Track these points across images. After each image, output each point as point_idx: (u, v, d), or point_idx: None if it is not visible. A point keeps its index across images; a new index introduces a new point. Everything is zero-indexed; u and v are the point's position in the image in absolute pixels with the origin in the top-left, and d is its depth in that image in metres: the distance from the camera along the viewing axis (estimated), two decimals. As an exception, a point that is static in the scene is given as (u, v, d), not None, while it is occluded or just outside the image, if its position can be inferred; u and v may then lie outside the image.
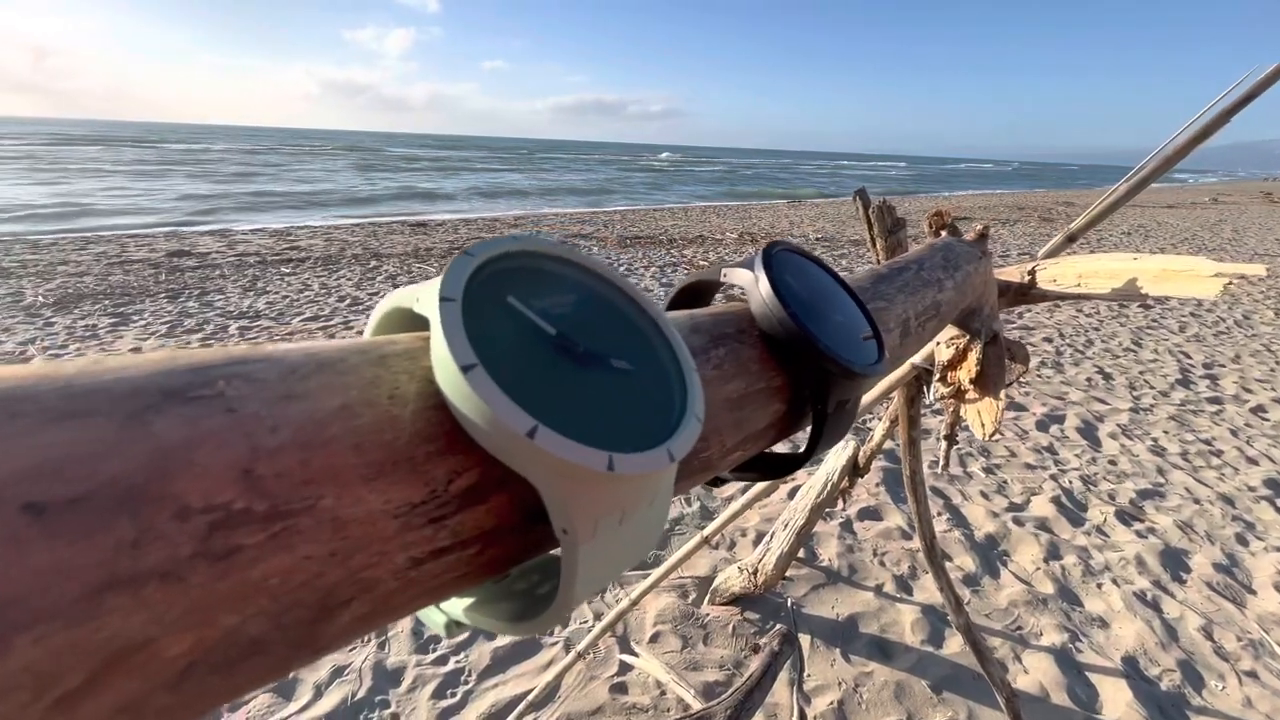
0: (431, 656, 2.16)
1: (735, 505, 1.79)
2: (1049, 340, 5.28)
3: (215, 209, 13.57)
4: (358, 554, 0.16)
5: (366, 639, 2.22)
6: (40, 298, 5.66)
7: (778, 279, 0.33)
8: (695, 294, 0.37)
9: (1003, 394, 0.72)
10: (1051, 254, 1.16)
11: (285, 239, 9.55)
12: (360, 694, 1.99)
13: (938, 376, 0.72)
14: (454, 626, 0.25)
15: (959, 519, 2.84)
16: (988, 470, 3.22)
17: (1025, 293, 0.91)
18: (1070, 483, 3.15)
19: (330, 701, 1.95)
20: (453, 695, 2.03)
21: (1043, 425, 3.74)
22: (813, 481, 2.43)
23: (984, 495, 3.02)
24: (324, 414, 0.16)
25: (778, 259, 0.35)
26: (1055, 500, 2.97)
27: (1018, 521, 2.82)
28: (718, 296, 0.35)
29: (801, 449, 0.35)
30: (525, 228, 11.54)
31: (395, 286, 6.45)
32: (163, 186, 18.91)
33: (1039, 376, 4.46)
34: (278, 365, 0.17)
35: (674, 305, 0.36)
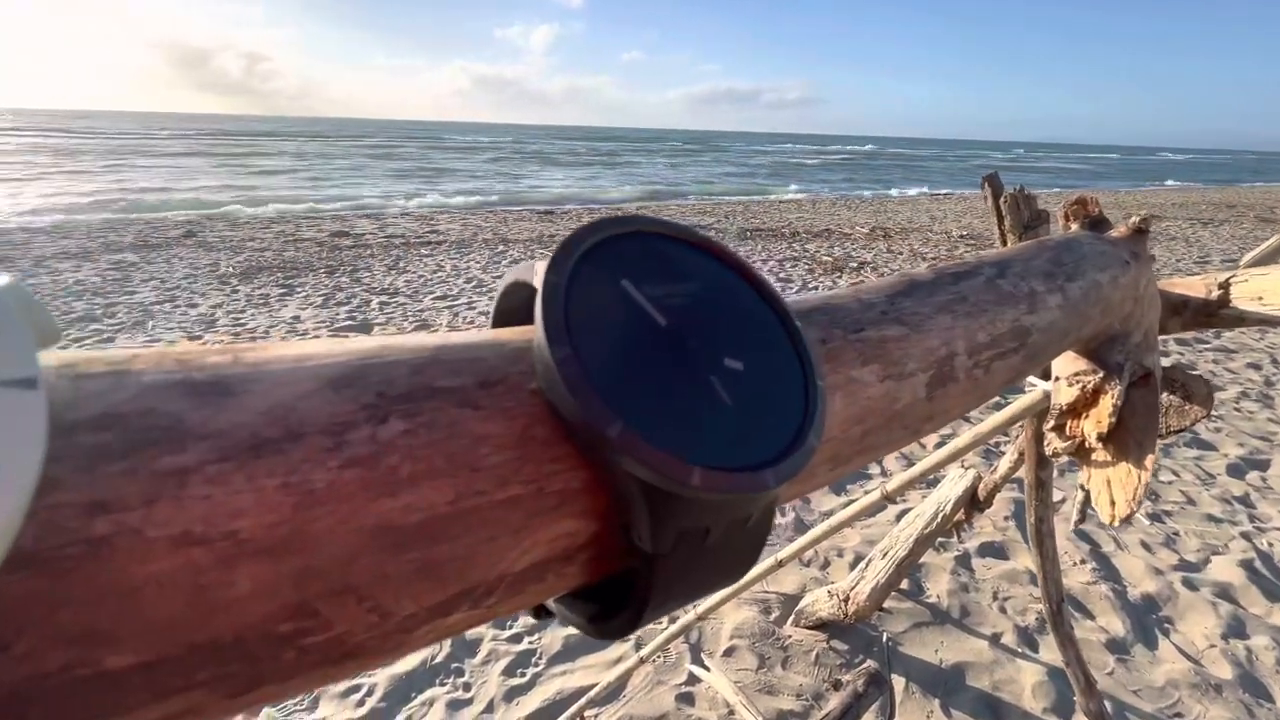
0: (507, 633, 2.21)
1: (820, 527, 1.61)
2: (1255, 366, 4.32)
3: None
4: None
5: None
6: (230, 268, 6.65)
7: (570, 287, 0.18)
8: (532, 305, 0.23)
9: (1150, 460, 0.50)
10: (1262, 261, 0.87)
11: (427, 223, 10.43)
12: (439, 658, 2.08)
13: (1052, 424, 0.52)
14: None
15: (1109, 571, 2.40)
16: (1154, 517, 2.69)
17: (1212, 313, 0.66)
18: (1269, 545, 2.54)
19: (411, 661, 2.05)
20: (522, 675, 2.06)
21: (1237, 470, 3.05)
22: (922, 509, 2.16)
23: (1145, 546, 2.52)
24: None
25: (607, 247, 0.20)
26: (1245, 564, 2.41)
27: (1189, 584, 2.32)
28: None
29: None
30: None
31: (517, 270, 6.79)
32: (339, 178, 21.52)
33: (1237, 410, 3.66)
34: None
35: (503, 322, 0.23)
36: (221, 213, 11.49)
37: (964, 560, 2.51)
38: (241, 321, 5.03)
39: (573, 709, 1.89)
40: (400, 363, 0.18)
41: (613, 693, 2.01)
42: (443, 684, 2.00)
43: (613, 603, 0.20)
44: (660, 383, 0.19)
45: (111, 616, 0.11)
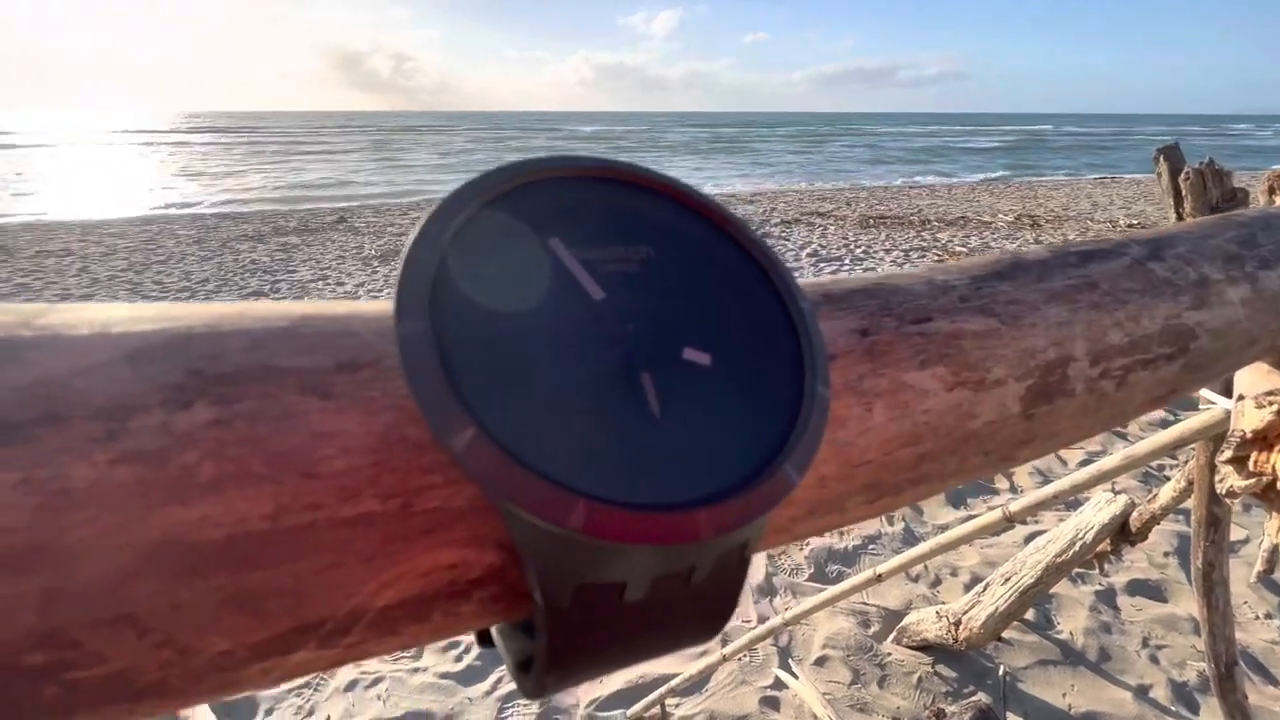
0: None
1: (928, 543, 1.47)
2: None
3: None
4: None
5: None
6: (373, 251, 7.38)
7: (461, 241, 0.14)
8: None
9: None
10: None
11: (548, 210, 10.94)
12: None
13: (1228, 454, 0.39)
14: None
15: (1304, 630, 1.99)
16: (1376, 572, 2.18)
17: None
18: None
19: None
20: (606, 655, 2.10)
21: None
22: (1056, 533, 1.92)
23: (1360, 606, 2.06)
24: None
25: (540, 193, 0.16)
26: None
27: None
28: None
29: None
30: (759, 203, 11.32)
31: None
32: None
33: None
34: None
35: None
36: (368, 201, 12.80)
37: (1107, 597, 2.20)
38: (379, 299, 5.59)
39: (654, 695, 1.89)
40: (240, 333, 0.14)
41: (695, 685, 1.99)
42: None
43: None
44: (563, 380, 0.14)
45: None
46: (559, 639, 0.15)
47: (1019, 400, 0.23)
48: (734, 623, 2.21)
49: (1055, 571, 1.87)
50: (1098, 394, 0.24)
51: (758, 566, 2.45)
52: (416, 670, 1.96)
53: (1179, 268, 0.26)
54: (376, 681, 1.92)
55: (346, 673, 1.93)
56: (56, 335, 0.13)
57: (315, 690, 1.89)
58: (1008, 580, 1.95)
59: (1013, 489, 2.78)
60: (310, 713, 1.82)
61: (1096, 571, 2.28)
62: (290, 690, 1.88)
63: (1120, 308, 0.24)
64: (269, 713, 1.82)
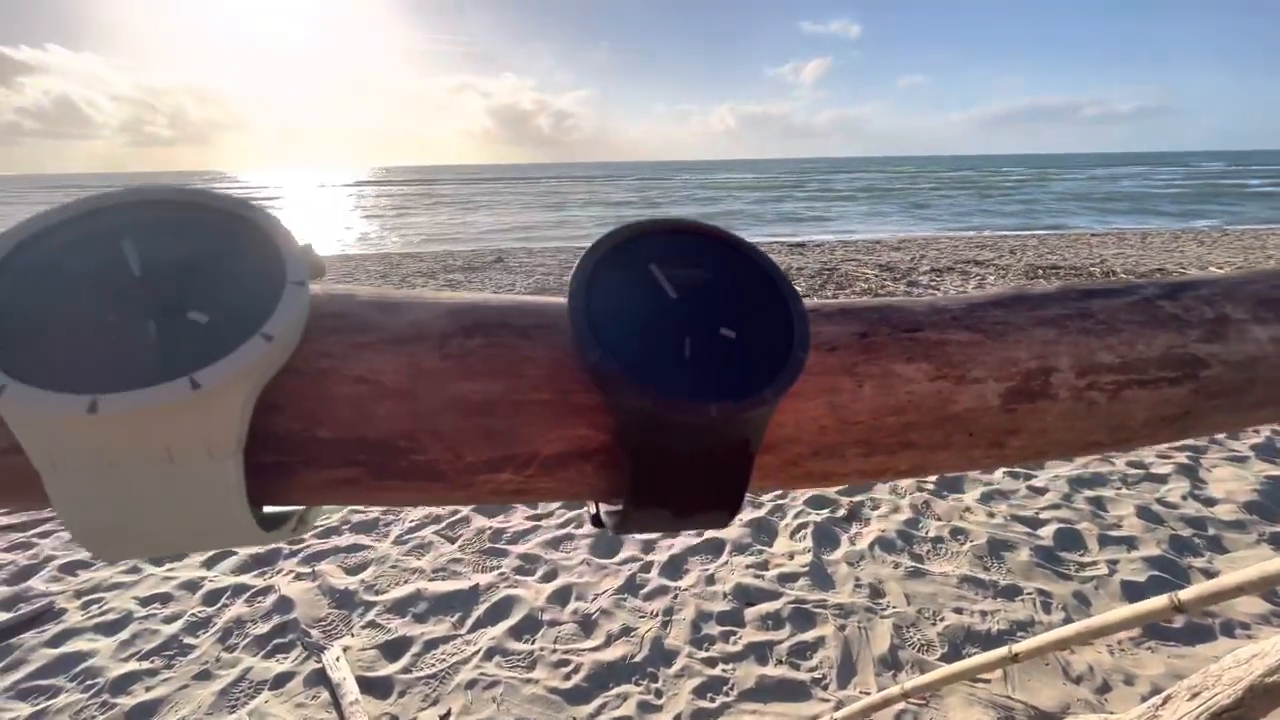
0: (703, 654, 2.25)
1: (1073, 626, 1.31)
2: None
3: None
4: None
5: (654, 613, 2.45)
6: (523, 288, 8.14)
7: (601, 263, 0.26)
8: None
9: None
10: None
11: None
12: (638, 657, 2.21)
13: None
14: None
15: None
16: None
17: None
18: None
19: (615, 652, 2.22)
20: (711, 700, 2.08)
21: None
22: (1268, 647, 1.59)
23: None
24: None
25: (649, 238, 0.28)
26: None
27: None
28: None
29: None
30: (907, 250, 10.75)
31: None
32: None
33: None
34: None
35: None
36: (523, 243, 14.30)
37: (1346, 737, 1.76)
38: (557, 298, 6.20)
39: (757, 751, 1.84)
40: (495, 307, 0.28)
41: (802, 749, 1.90)
42: (638, 684, 2.11)
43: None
44: (648, 336, 0.25)
45: (323, 408, 0.22)
46: (638, 476, 0.26)
47: (999, 396, 0.29)
48: (849, 691, 2.08)
49: (1265, 695, 1.54)
50: (1087, 402, 0.28)
51: (882, 635, 2.30)
52: (529, 680, 2.09)
53: (1192, 306, 0.29)
54: (493, 684, 2.06)
55: (468, 672, 2.10)
56: (421, 303, 0.27)
57: (441, 683, 2.08)
58: (1196, 695, 1.65)
59: (1208, 572, 2.35)
60: (435, 701, 2.01)
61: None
62: (420, 679, 2.09)
63: (1113, 334, 0.29)
64: (402, 694, 2.03)
